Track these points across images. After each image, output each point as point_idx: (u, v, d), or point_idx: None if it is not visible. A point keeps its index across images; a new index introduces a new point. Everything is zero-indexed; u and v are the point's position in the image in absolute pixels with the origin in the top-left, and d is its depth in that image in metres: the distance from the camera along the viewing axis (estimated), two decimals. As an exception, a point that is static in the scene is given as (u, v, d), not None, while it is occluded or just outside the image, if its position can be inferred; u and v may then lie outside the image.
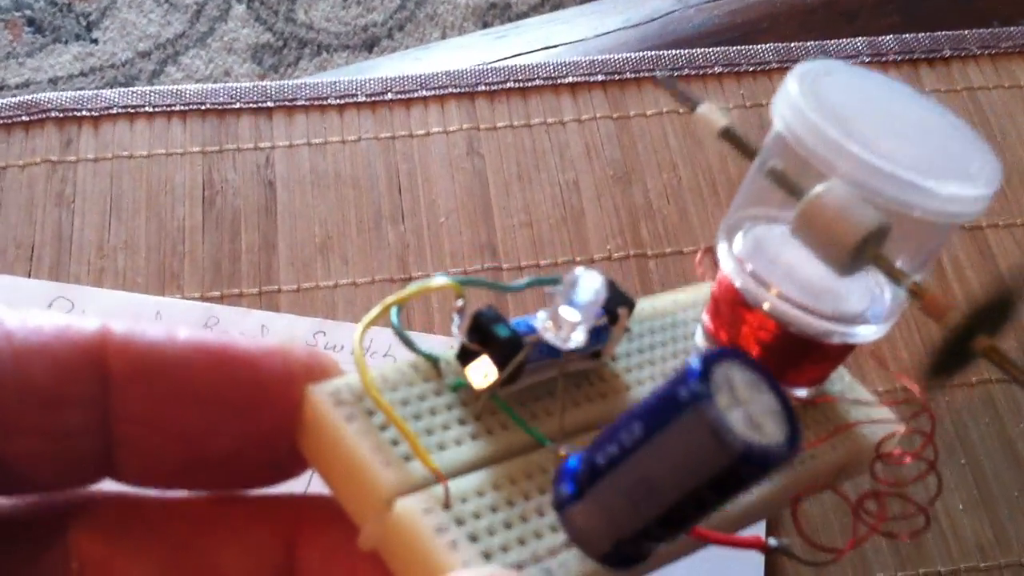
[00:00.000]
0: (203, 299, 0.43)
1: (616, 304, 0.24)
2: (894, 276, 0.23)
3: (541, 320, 0.20)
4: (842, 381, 0.29)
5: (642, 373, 0.25)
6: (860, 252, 0.22)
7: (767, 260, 0.25)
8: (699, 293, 0.29)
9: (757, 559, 0.40)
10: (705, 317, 0.27)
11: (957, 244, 0.46)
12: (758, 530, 0.40)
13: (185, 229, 0.45)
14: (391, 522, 0.19)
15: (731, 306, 0.26)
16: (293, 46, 1.29)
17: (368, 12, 1.32)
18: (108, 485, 0.21)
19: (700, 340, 0.27)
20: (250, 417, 0.20)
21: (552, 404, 0.23)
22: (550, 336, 0.20)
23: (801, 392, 0.27)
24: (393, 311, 0.21)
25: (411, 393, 0.21)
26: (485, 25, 1.33)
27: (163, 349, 0.19)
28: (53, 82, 1.22)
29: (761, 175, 0.25)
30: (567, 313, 0.20)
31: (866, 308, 0.25)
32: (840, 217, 0.22)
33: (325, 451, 0.20)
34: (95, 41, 1.27)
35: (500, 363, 0.21)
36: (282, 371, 0.20)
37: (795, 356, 0.26)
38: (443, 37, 1.31)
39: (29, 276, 0.43)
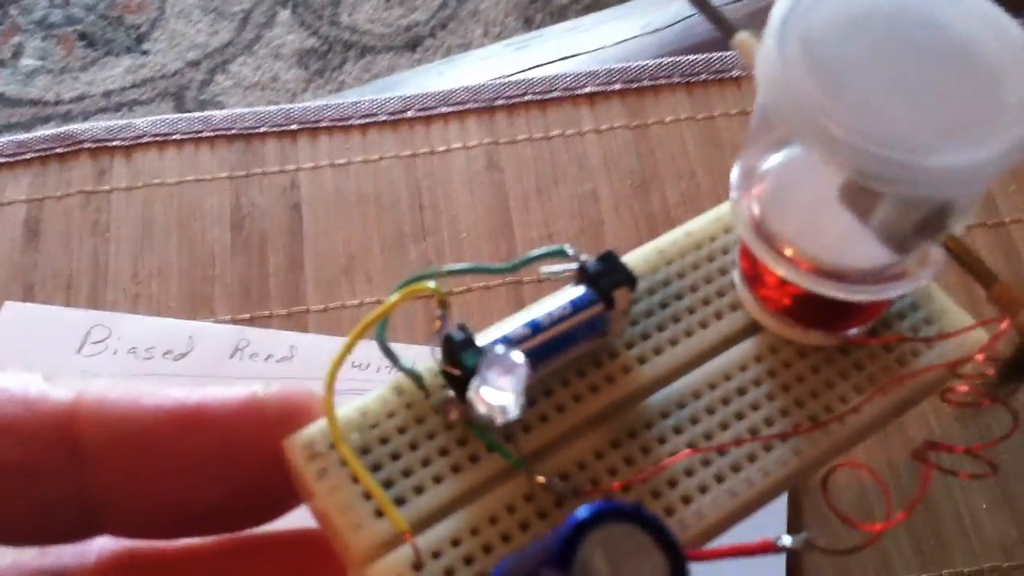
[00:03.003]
0: (234, 322, 0.45)
1: (611, 285, 0.22)
2: (970, 265, 0.19)
3: (472, 388, 0.20)
4: (923, 297, 0.24)
5: (662, 336, 0.23)
6: (921, 233, 0.19)
7: (785, 200, 0.22)
8: (722, 216, 0.25)
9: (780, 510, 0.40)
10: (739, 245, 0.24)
11: (978, 242, 0.46)
12: (780, 520, 0.40)
13: (215, 254, 0.46)
14: None
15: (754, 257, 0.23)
16: (338, 49, 1.30)
17: (410, 12, 1.34)
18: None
19: (737, 274, 0.24)
20: (228, 475, 0.20)
21: (549, 406, 0.22)
22: (483, 411, 0.19)
23: (853, 332, 0.24)
24: (378, 325, 0.20)
25: (391, 426, 0.21)
26: (527, 20, 1.33)
27: (132, 419, 0.20)
28: (107, 95, 1.25)
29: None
30: (488, 395, 0.19)
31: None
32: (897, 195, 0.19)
33: (310, 505, 0.21)
34: (146, 53, 1.29)
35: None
36: (255, 426, 0.20)
37: (830, 309, 0.23)
38: (485, 34, 1.32)
39: (67, 305, 0.45)
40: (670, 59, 0.51)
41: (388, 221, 0.47)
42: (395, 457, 0.21)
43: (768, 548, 0.19)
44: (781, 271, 0.22)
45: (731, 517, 0.21)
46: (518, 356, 0.19)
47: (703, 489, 0.21)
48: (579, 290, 0.22)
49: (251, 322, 0.45)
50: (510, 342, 0.21)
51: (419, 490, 0.21)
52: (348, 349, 0.19)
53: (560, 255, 0.22)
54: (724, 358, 0.23)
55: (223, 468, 0.20)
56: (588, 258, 0.22)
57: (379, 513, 0.20)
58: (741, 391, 0.23)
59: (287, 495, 0.21)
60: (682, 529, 0.21)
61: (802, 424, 0.22)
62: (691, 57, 0.51)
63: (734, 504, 0.21)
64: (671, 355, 0.23)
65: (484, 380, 0.19)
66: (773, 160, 0.23)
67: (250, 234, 0.47)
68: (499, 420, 0.19)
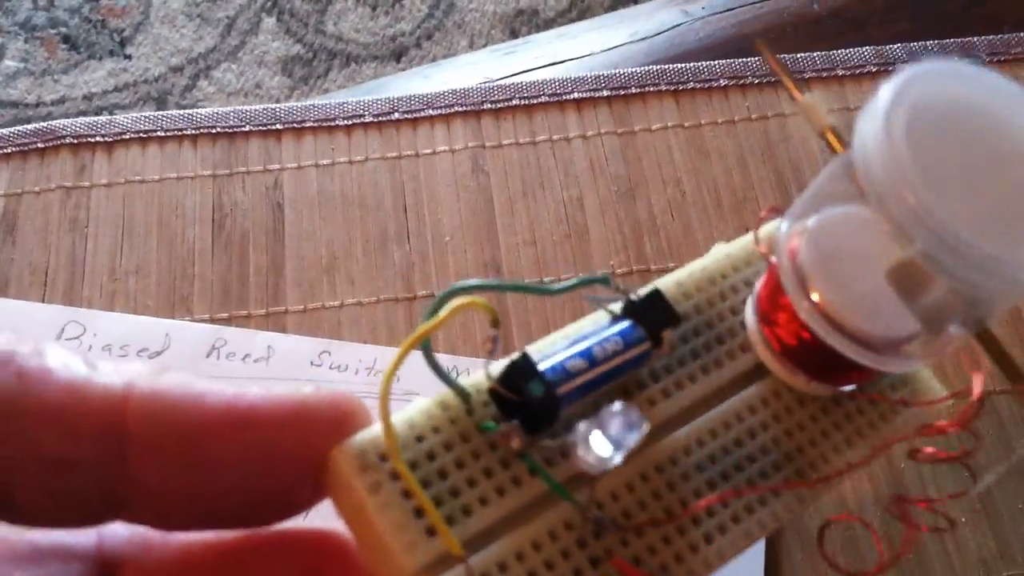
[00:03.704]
0: (212, 321, 0.44)
1: (661, 325, 0.22)
2: (1001, 360, 0.21)
3: (580, 432, 0.19)
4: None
5: (682, 372, 0.24)
6: (962, 322, 0.21)
7: (825, 248, 0.23)
8: (733, 254, 0.26)
9: (757, 559, 0.40)
10: (758, 284, 0.25)
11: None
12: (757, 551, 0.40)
13: (195, 252, 0.46)
14: None
15: (777, 289, 0.24)
16: (323, 57, 1.30)
17: (396, 22, 1.33)
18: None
19: (750, 315, 0.25)
20: (268, 479, 0.20)
21: None
22: (580, 454, 0.19)
23: (846, 388, 0.25)
24: (424, 343, 0.20)
25: (437, 442, 0.21)
26: (513, 32, 1.33)
27: (185, 418, 0.19)
28: (88, 98, 1.25)
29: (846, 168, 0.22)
30: (599, 446, 0.19)
31: (914, 333, 0.23)
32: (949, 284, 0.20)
33: (350, 515, 0.20)
34: (128, 57, 1.29)
35: (532, 426, 0.21)
36: (303, 433, 0.19)
37: (832, 360, 0.23)
38: (471, 45, 1.32)
39: (43, 300, 0.44)
40: (658, 67, 0.51)
41: (371, 223, 0.47)
42: (443, 475, 0.20)
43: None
44: (803, 314, 0.23)
45: (739, 554, 0.22)
46: (643, 419, 0.19)
47: (722, 529, 0.22)
48: (624, 324, 0.22)
49: (229, 321, 0.44)
50: (569, 373, 0.21)
51: (467, 511, 0.20)
52: (400, 360, 0.19)
53: (603, 283, 0.23)
54: (736, 400, 0.24)
55: (265, 472, 0.19)
56: (631, 291, 0.23)
57: (430, 532, 0.19)
58: (752, 433, 0.24)
59: (312, 498, 0.20)
60: (705, 567, 0.22)
61: (804, 470, 0.24)
62: (679, 65, 0.51)
63: (747, 543, 0.22)
64: (691, 391, 0.24)
65: (604, 430, 0.19)
66: (831, 210, 0.24)
67: (231, 233, 0.46)
68: (597, 469, 0.19)
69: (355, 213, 0.47)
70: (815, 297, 0.23)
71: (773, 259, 0.24)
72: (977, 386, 0.23)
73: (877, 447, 0.25)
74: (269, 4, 1.34)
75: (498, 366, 0.21)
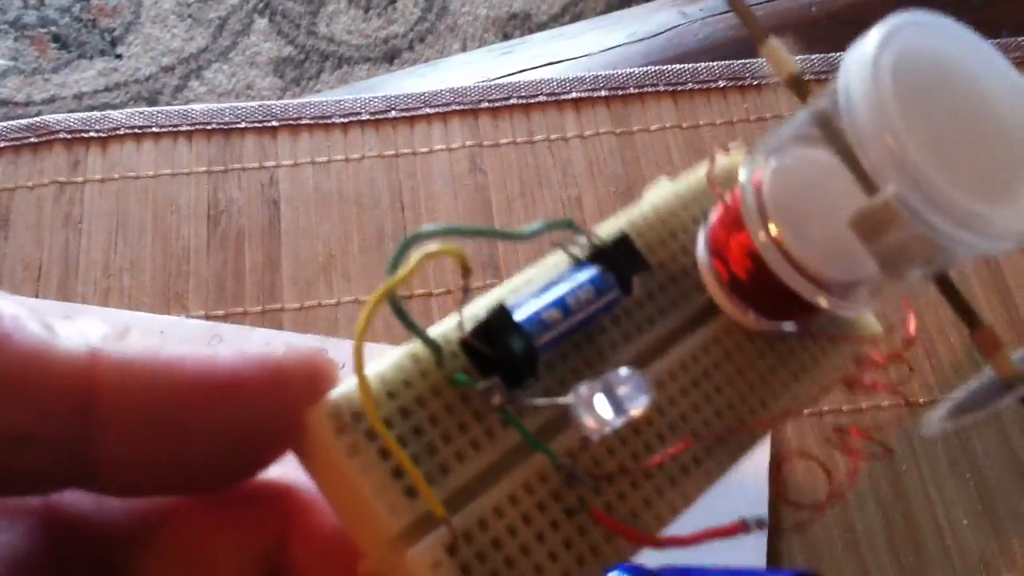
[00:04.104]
0: (207, 318, 0.44)
1: (631, 271, 0.22)
2: (959, 306, 0.21)
3: (582, 395, 0.19)
4: None
5: (641, 314, 0.23)
6: (928, 271, 0.21)
7: (789, 187, 0.23)
8: (682, 193, 0.26)
9: (760, 544, 0.39)
10: (712, 216, 0.25)
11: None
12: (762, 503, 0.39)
13: (190, 248, 0.45)
14: (398, 570, 0.19)
15: (734, 220, 0.24)
16: (315, 59, 1.30)
17: (389, 24, 1.33)
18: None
19: (702, 251, 0.24)
20: (246, 444, 0.19)
21: (554, 381, 0.22)
22: (580, 416, 0.19)
23: (787, 327, 0.25)
24: (391, 296, 0.19)
25: (410, 398, 0.20)
26: (505, 36, 1.33)
27: (160, 388, 0.18)
28: (78, 97, 1.24)
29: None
30: (603, 409, 0.19)
31: (870, 277, 0.23)
32: (914, 232, 0.20)
33: (328, 479, 0.20)
34: (119, 56, 1.28)
35: (511, 381, 0.20)
36: (280, 397, 0.19)
37: (783, 297, 0.23)
38: (463, 48, 1.32)
39: (36, 296, 0.43)
40: (656, 67, 0.51)
41: (368, 221, 0.47)
42: (418, 432, 0.20)
43: (737, 528, 0.20)
44: (762, 249, 0.22)
45: (702, 494, 0.22)
46: (650, 385, 0.19)
47: (685, 471, 0.22)
48: (592, 270, 0.22)
49: (224, 319, 0.44)
50: (545, 324, 0.20)
51: (444, 469, 0.20)
52: (370, 316, 0.18)
53: (568, 227, 0.22)
54: (692, 340, 0.24)
55: (243, 438, 0.19)
56: (594, 235, 0.23)
57: (409, 493, 0.19)
58: (707, 374, 0.24)
59: (278, 456, 0.20)
60: (671, 511, 0.21)
61: (756, 408, 0.24)
62: (677, 66, 0.51)
63: (708, 484, 0.22)
64: (649, 334, 0.23)
65: (609, 394, 0.19)
66: (798, 151, 0.23)
67: (227, 230, 0.46)
68: (596, 433, 0.19)
69: (352, 211, 0.47)
70: (774, 232, 0.23)
71: (727, 197, 0.24)
72: (911, 322, 0.25)
73: (824, 385, 0.25)
74: (261, 5, 1.33)
75: (468, 316, 0.21)
